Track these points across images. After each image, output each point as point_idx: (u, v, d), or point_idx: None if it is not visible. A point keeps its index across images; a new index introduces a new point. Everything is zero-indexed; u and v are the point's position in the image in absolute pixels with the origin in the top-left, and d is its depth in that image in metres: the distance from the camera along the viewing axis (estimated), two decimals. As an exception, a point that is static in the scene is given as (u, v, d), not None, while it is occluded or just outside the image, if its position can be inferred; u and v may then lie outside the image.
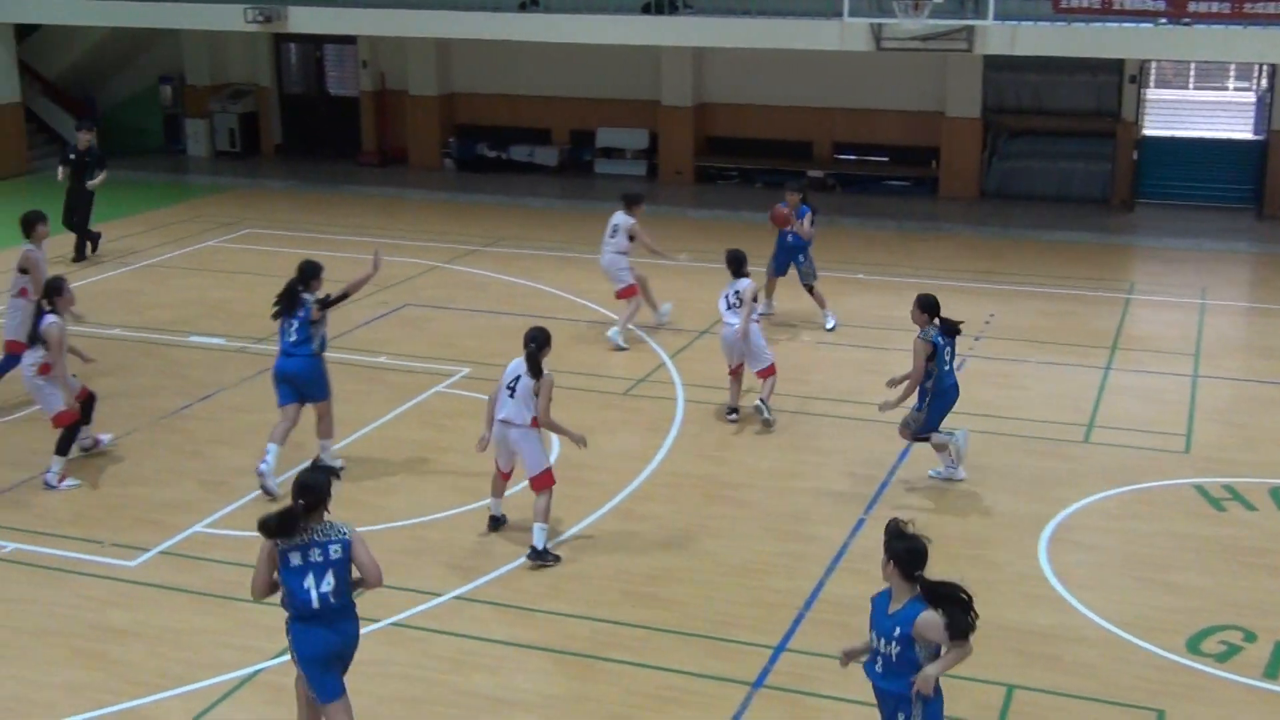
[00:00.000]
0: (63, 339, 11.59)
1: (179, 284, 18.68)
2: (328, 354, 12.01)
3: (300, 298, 11.57)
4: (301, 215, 23.11)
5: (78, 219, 19.99)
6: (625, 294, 15.85)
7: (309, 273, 11.65)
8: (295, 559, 7.22)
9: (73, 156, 20.00)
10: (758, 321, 13.18)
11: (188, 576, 10.24)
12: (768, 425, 13.04)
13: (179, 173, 27.67)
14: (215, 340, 16.01)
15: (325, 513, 7.38)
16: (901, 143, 25.14)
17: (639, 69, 26.17)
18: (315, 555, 7.23)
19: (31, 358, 11.69)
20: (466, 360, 15.14)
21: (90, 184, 19.88)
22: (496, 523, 10.97)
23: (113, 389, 14.30)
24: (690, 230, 22.16)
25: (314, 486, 7.32)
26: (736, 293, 13.12)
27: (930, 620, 6.63)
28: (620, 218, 15.79)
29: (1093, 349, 15.65)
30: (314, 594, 7.21)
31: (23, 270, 13.46)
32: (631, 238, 15.71)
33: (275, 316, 11.68)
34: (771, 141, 25.84)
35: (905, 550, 6.75)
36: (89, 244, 20.10)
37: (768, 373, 13.19)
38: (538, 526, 10.39)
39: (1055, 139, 24.13)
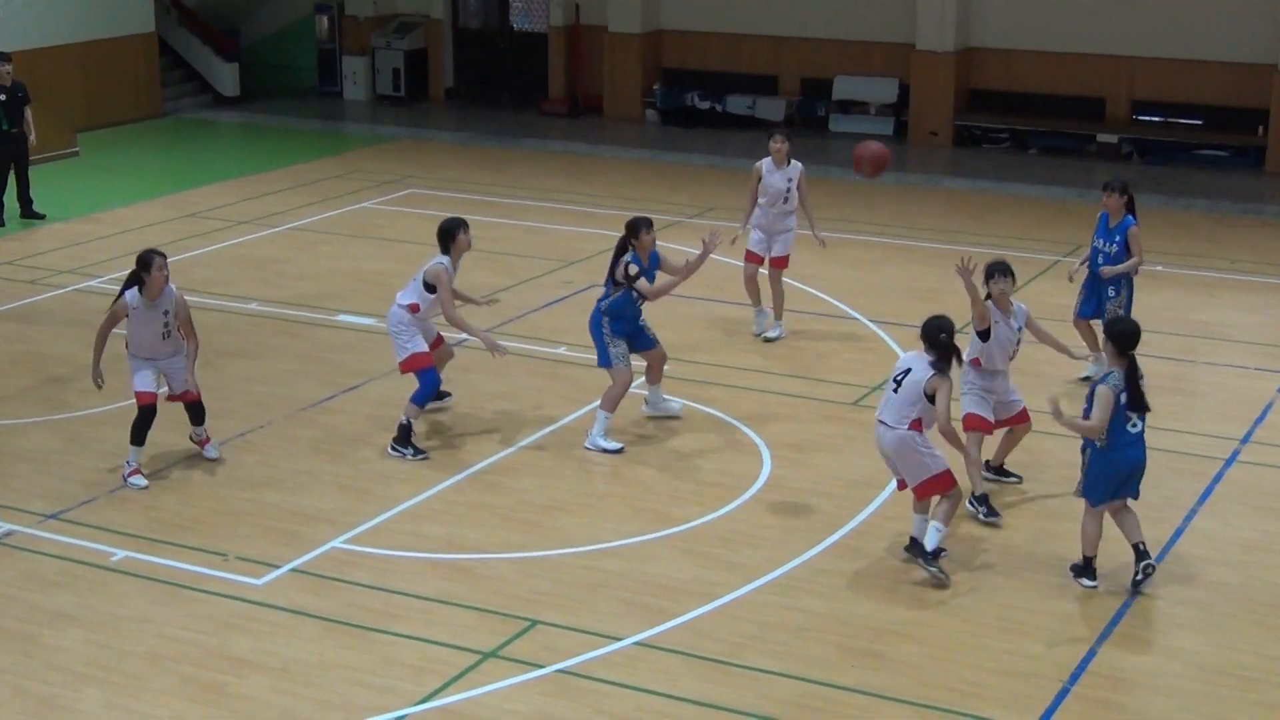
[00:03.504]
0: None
1: (328, 252, 19.23)
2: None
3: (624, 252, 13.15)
4: (474, 173, 23.55)
5: (20, 171, 20.43)
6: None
7: (636, 226, 13.16)
8: None
9: (3, 97, 20.05)
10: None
11: (322, 600, 10.54)
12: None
13: (332, 119, 28.47)
14: (366, 321, 16.43)
15: None
16: (1220, 102, 24.42)
17: (888, 4, 25.98)
18: None
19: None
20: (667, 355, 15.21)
21: (30, 130, 20.24)
22: (917, 546, 10.96)
23: (246, 374, 14.80)
24: (945, 205, 21.89)
25: None
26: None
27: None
28: None
29: None
30: None
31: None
32: None
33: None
34: (1053, 97, 25.39)
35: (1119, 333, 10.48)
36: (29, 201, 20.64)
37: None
38: (932, 522, 10.81)
39: None
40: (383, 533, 11.56)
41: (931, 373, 10.72)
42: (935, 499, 10.85)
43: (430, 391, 13.11)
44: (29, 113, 20.28)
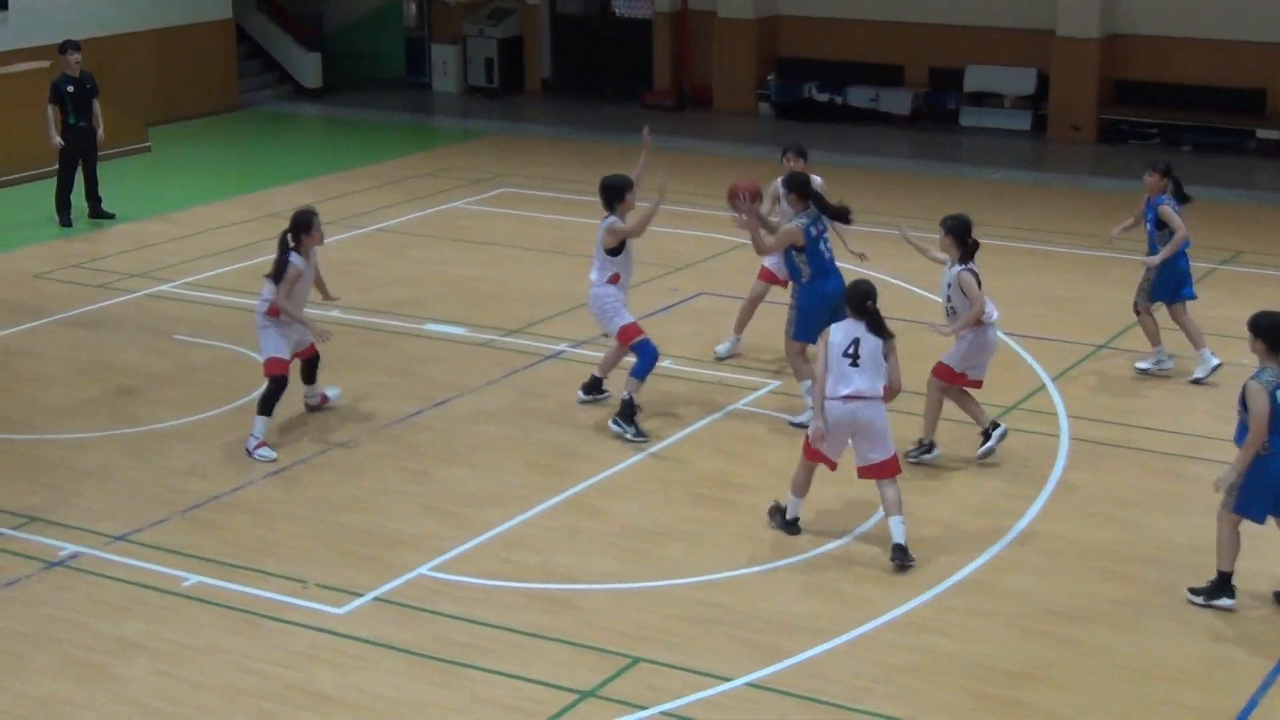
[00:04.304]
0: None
1: (416, 255, 19.35)
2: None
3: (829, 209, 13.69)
4: (572, 171, 23.60)
5: (88, 168, 20.73)
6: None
7: (803, 184, 13.69)
8: None
9: (71, 89, 20.41)
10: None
11: (408, 632, 10.58)
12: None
13: (420, 112, 28.68)
14: (456, 330, 16.52)
15: None
16: (1395, 94, 24.05)
17: (1026, -14, 25.82)
18: None
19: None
20: (775, 368, 15.16)
21: (98, 124, 20.57)
22: (796, 526, 11.92)
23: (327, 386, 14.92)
24: (1088, 207, 21.66)
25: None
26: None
27: None
28: None
29: None
30: None
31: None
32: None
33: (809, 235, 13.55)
34: (1207, 89, 25.08)
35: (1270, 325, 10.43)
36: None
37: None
38: (898, 520, 11.43)
39: None
40: (473, 559, 11.59)
41: (889, 335, 11.51)
42: (889, 493, 11.49)
43: (650, 362, 13.73)
44: (98, 105, 20.61)
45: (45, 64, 23.10)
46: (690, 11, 28.38)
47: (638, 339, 13.79)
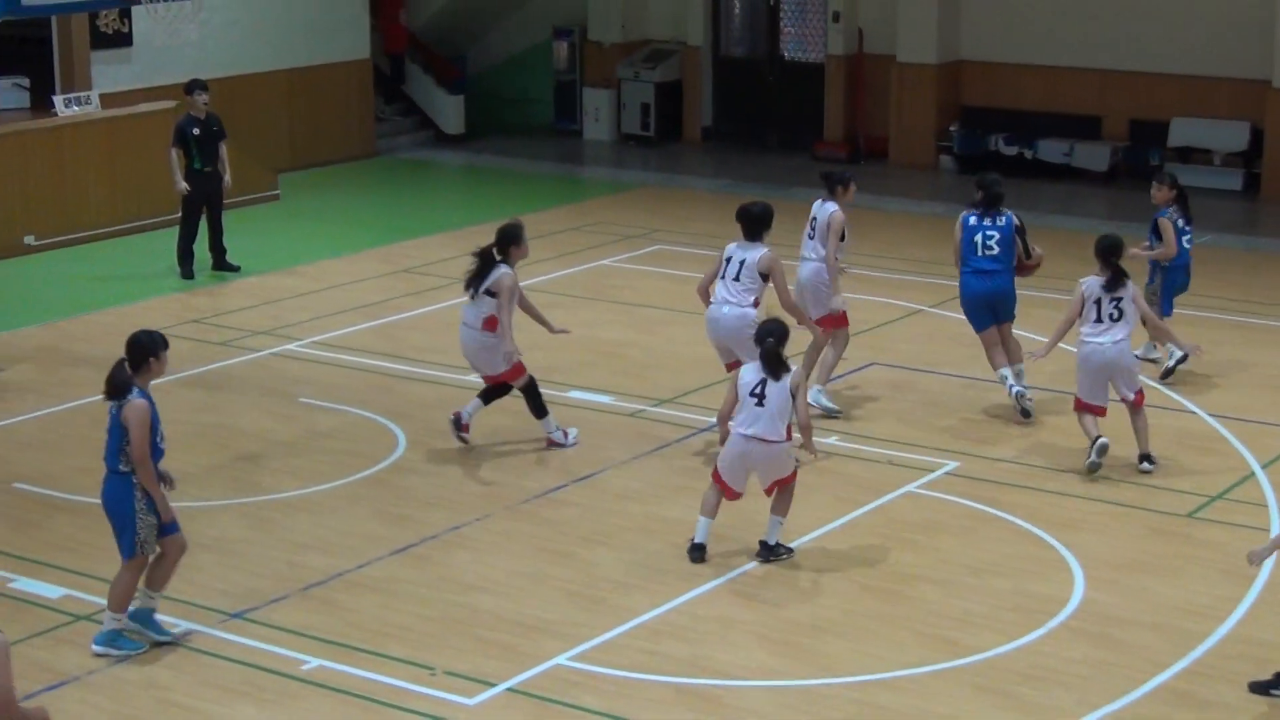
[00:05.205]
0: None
1: (560, 317, 19.29)
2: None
3: (1002, 205, 15.76)
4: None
5: (213, 217, 21.10)
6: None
7: (998, 189, 15.75)
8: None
9: (197, 131, 20.75)
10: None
11: (543, 727, 10.64)
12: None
13: (569, 162, 28.92)
14: (602, 399, 16.62)
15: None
16: None
17: (1238, 31, 25.59)
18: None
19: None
20: (953, 448, 15.09)
21: (225, 170, 20.94)
22: (701, 552, 12.89)
23: (462, 458, 15.04)
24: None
25: (135, 344, 11.10)
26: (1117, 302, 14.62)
27: None
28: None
29: None
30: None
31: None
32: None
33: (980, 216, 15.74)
34: None
35: None
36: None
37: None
38: (778, 520, 12.87)
39: None
40: (616, 649, 11.61)
41: (790, 372, 12.55)
42: (775, 494, 12.78)
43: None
44: (224, 149, 21.00)
45: (170, 104, 23.64)
46: (866, 55, 28.41)
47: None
